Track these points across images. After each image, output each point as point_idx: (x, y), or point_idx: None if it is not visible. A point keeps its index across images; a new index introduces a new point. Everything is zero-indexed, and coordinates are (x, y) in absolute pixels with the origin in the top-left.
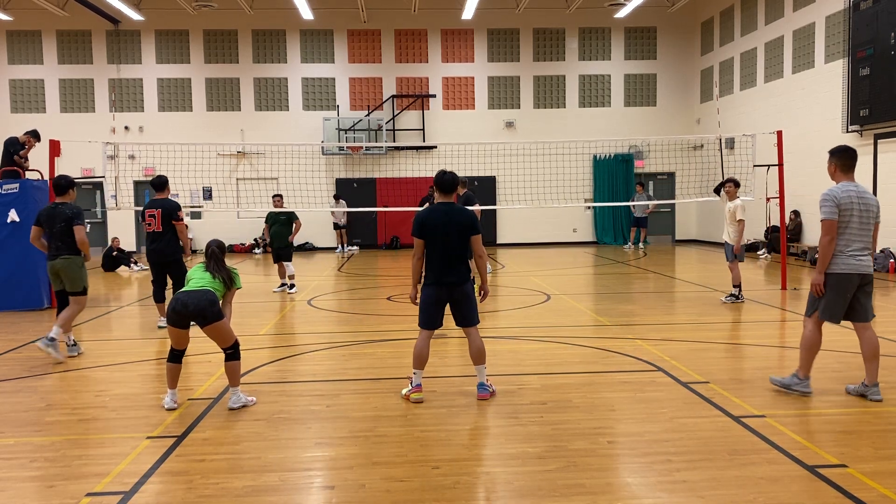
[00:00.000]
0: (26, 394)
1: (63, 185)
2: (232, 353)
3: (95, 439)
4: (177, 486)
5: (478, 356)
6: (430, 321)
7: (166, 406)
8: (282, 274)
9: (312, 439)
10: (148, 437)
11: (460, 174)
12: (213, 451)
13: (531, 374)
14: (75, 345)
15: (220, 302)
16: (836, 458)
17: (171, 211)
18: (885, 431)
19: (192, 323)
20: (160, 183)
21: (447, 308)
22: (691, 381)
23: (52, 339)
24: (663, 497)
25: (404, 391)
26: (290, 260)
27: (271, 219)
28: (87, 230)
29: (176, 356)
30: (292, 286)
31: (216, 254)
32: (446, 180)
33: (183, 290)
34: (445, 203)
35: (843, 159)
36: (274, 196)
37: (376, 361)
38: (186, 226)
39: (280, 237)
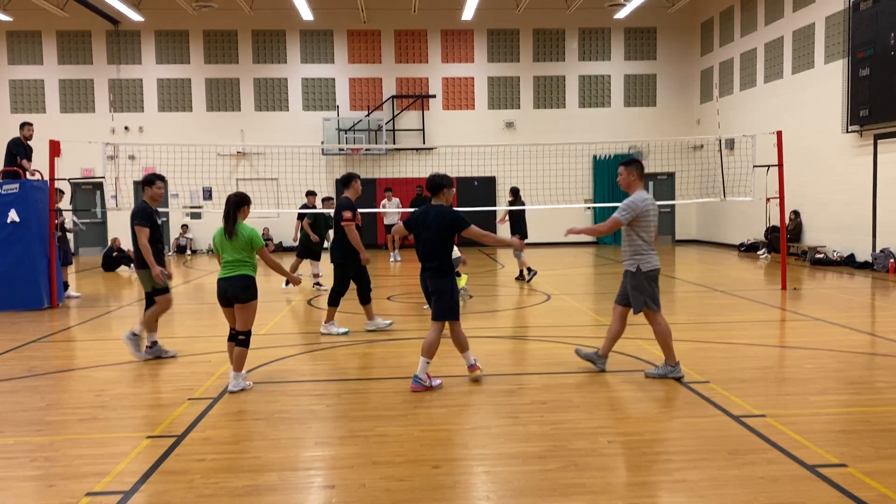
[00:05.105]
0: (26, 394)
1: (143, 181)
2: (243, 339)
3: (95, 439)
4: (177, 485)
5: (426, 349)
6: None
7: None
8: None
9: (312, 439)
10: (148, 437)
11: (460, 174)
12: (213, 451)
13: (531, 374)
14: (154, 346)
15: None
16: (836, 458)
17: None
18: (885, 431)
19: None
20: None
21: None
22: (691, 380)
23: (135, 335)
24: (663, 497)
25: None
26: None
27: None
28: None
29: (231, 336)
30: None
31: (228, 212)
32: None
33: (222, 276)
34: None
35: (639, 169)
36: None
37: (376, 361)
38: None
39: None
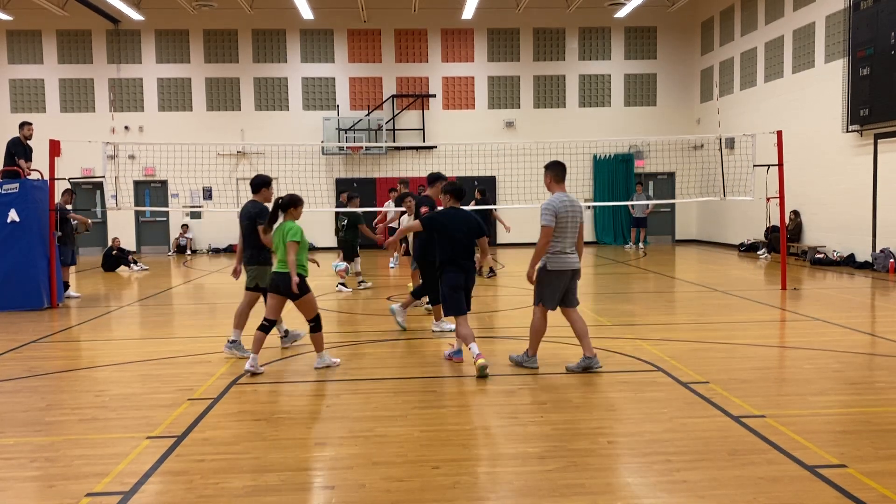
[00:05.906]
0: (26, 394)
1: (255, 183)
2: (313, 326)
3: (95, 439)
4: (177, 486)
5: (470, 338)
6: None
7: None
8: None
9: (312, 439)
10: (148, 437)
11: (460, 174)
12: (213, 451)
13: (531, 374)
14: (286, 335)
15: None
16: (836, 458)
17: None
18: (885, 431)
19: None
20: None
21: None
22: (691, 381)
23: (233, 341)
24: (663, 497)
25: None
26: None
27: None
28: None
29: (262, 326)
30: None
31: (273, 211)
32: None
33: (275, 269)
34: (453, 207)
35: (556, 171)
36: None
37: (376, 361)
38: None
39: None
